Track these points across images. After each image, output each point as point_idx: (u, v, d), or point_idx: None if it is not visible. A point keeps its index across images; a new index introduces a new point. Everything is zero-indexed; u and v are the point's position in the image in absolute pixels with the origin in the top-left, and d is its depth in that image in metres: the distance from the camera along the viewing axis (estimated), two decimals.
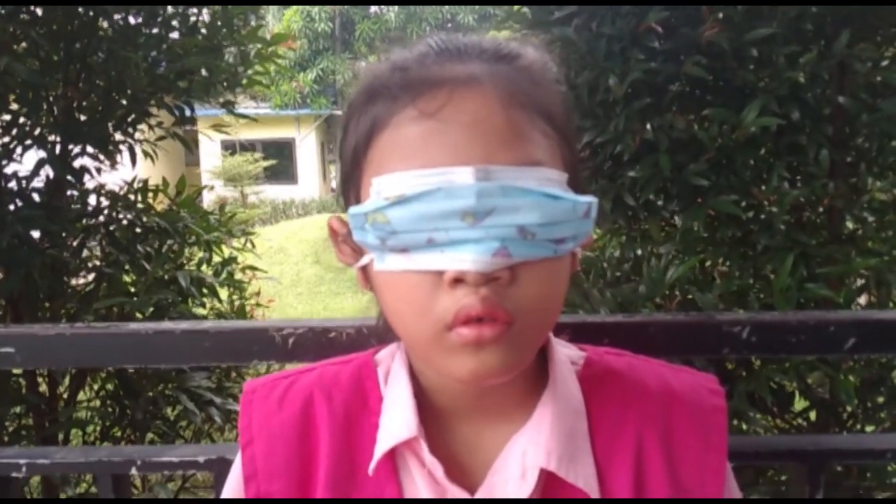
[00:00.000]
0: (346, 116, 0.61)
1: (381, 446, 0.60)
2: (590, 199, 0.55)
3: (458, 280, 0.51)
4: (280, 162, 17.91)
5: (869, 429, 1.82)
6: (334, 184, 21.63)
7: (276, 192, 17.01)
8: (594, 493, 0.59)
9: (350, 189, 0.60)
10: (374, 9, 19.91)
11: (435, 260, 0.52)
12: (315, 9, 18.62)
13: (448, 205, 0.50)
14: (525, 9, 1.98)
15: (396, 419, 0.61)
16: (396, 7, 19.36)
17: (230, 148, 15.94)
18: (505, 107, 0.53)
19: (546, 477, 0.58)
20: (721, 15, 1.67)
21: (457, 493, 0.58)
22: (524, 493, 0.58)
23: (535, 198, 0.52)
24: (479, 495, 0.59)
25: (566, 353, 0.66)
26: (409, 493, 0.60)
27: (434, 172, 0.51)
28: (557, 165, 0.56)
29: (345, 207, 0.60)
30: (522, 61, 0.59)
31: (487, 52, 0.58)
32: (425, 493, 0.59)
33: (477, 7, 18.73)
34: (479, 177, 0.51)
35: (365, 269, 0.60)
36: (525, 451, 0.59)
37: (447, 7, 19.21)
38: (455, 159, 0.51)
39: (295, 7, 18.85)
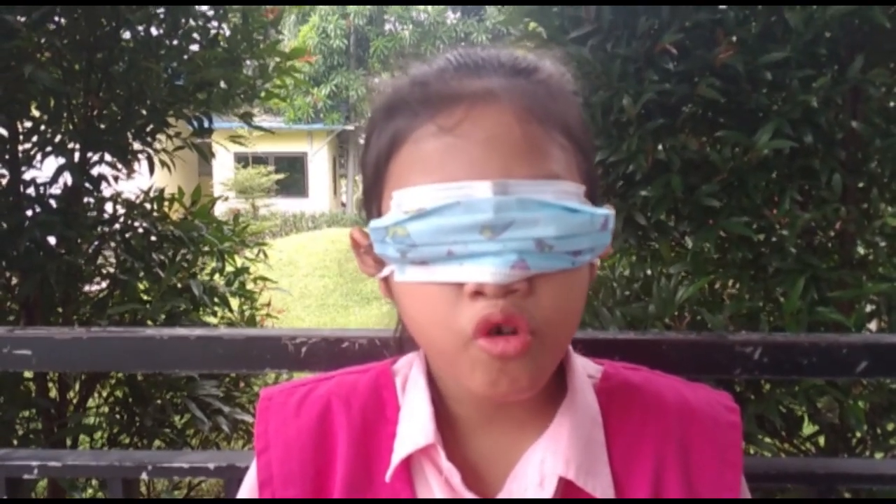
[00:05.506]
0: (367, 130, 0.62)
1: (399, 453, 0.60)
2: (606, 212, 0.56)
3: (477, 292, 0.52)
4: (291, 175, 18.03)
5: (878, 455, 1.79)
6: (345, 198, 21.71)
7: (286, 205, 17.10)
8: None
9: (372, 202, 0.61)
10: (388, 26, 20.09)
11: (454, 272, 0.53)
12: (331, 25, 18.80)
13: (467, 218, 0.51)
14: (540, 27, 1.99)
15: (414, 427, 0.61)
16: (411, 25, 19.54)
17: (242, 160, 16.07)
18: (521, 121, 0.54)
19: (564, 485, 0.59)
20: (735, 38, 1.68)
21: None
22: None
23: (552, 211, 0.52)
24: None
25: (583, 366, 0.67)
26: None
27: (453, 186, 0.52)
28: (575, 178, 0.56)
29: (366, 220, 0.60)
30: (540, 75, 0.60)
31: (505, 67, 0.59)
32: None
33: (490, 26, 18.86)
34: (496, 191, 0.51)
35: (387, 280, 0.60)
36: (543, 459, 0.59)
37: (461, 26, 19.36)
38: (473, 174, 0.52)
39: (310, 23, 19.06)
